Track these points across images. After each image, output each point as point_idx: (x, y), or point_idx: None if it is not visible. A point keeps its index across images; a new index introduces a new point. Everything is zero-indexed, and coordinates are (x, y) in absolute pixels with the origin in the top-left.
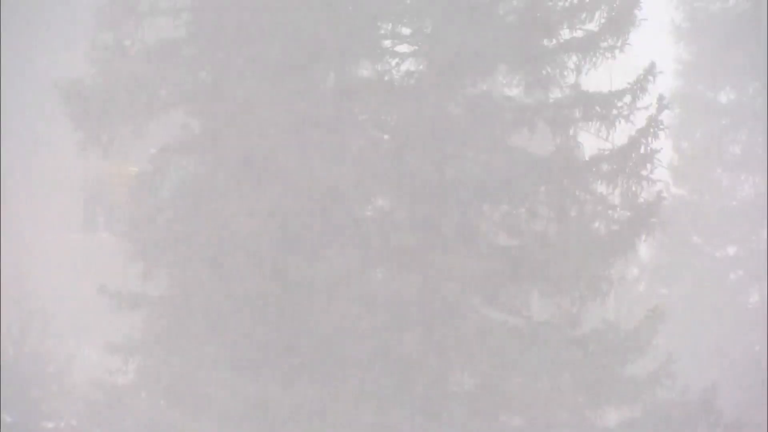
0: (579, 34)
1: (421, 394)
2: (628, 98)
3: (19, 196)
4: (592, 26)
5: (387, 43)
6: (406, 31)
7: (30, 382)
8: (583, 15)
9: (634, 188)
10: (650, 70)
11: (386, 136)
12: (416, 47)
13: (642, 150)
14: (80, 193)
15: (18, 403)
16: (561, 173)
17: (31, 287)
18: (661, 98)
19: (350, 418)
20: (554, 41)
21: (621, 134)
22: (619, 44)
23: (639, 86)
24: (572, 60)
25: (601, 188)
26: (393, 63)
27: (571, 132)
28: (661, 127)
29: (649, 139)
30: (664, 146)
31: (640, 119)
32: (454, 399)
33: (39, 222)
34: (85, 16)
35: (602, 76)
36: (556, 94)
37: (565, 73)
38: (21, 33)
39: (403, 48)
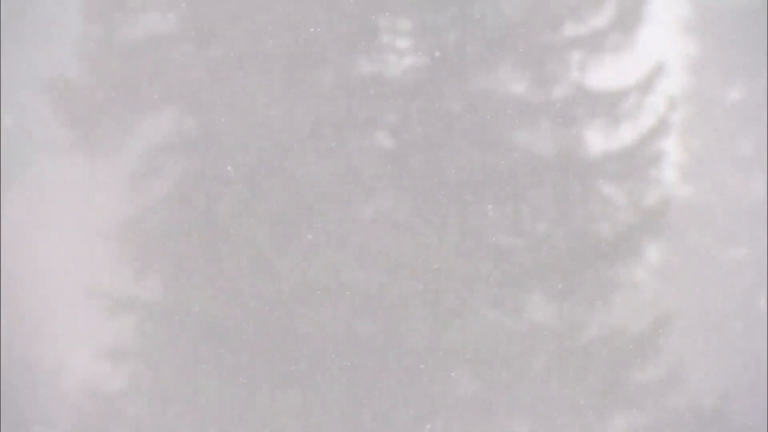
0: (584, 30)
1: (423, 398)
2: (634, 97)
3: (6, 197)
4: (598, 22)
5: (386, 38)
6: (406, 25)
7: (20, 388)
8: (589, 11)
9: (640, 189)
10: (658, 71)
11: (386, 134)
12: (417, 42)
13: (649, 151)
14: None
15: (7, 410)
16: (565, 173)
17: (21, 291)
18: (671, 99)
19: (349, 422)
20: (558, 37)
21: (628, 132)
22: (626, 42)
23: (646, 85)
24: (577, 57)
25: (606, 188)
26: (393, 59)
27: (576, 131)
28: (670, 128)
29: (657, 140)
30: (672, 144)
31: (648, 118)
32: (457, 403)
33: (29, 224)
34: (73, 10)
35: (609, 73)
36: (560, 91)
37: (570, 70)
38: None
39: (403, 43)
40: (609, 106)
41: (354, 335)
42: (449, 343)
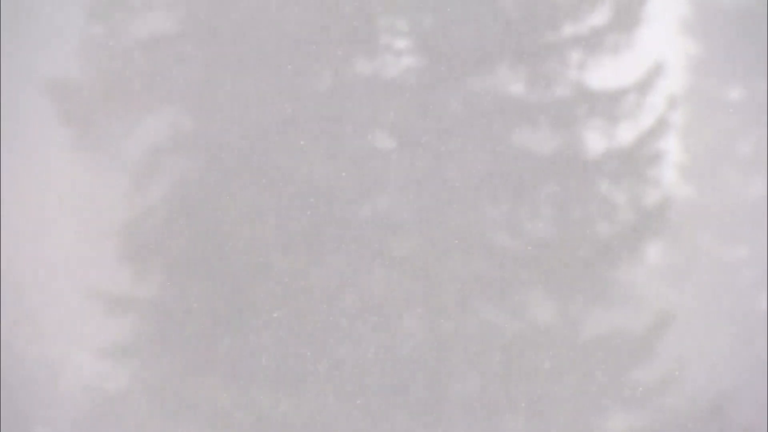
0: (584, 29)
1: (422, 399)
2: (634, 97)
3: (6, 197)
4: (598, 21)
5: (385, 38)
6: (404, 25)
7: (19, 388)
8: (588, 10)
9: (639, 189)
10: (658, 71)
11: (385, 134)
12: (415, 42)
13: (649, 150)
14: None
15: (7, 410)
16: (565, 173)
17: (21, 291)
18: (670, 98)
19: (348, 423)
20: (558, 37)
21: (628, 132)
22: (625, 41)
23: (646, 85)
24: (576, 56)
25: (606, 188)
26: (391, 59)
27: (575, 130)
28: (669, 127)
29: (657, 139)
30: (672, 144)
31: (648, 117)
32: (456, 404)
33: (29, 224)
34: (74, 10)
35: (608, 72)
36: (559, 91)
37: (569, 69)
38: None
39: (401, 43)
40: (608, 105)
41: (354, 335)
42: (449, 343)
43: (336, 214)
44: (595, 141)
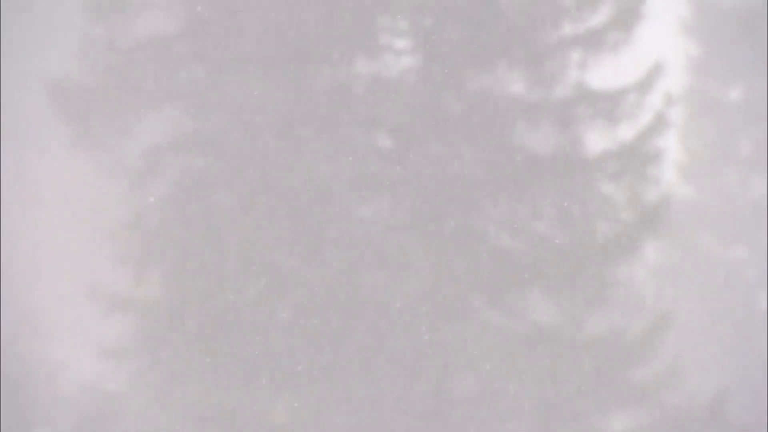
0: (583, 29)
1: (421, 399)
2: (633, 96)
3: (6, 197)
4: (597, 20)
5: (385, 38)
6: (404, 25)
7: (19, 388)
8: (587, 9)
9: (639, 188)
10: (657, 70)
11: (385, 134)
12: (415, 42)
13: (648, 149)
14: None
15: (7, 410)
16: (564, 172)
17: (21, 291)
18: (668, 96)
19: (348, 423)
20: (557, 36)
21: (628, 131)
22: (625, 41)
23: (646, 84)
24: (576, 56)
25: (606, 188)
26: (391, 59)
27: (575, 130)
28: (668, 125)
29: (656, 137)
30: (672, 144)
31: (647, 117)
32: (455, 404)
33: (29, 224)
34: (73, 10)
35: (608, 72)
36: (559, 90)
37: (569, 69)
38: (17, 29)
39: (401, 43)
40: (608, 105)
41: (354, 335)
42: (449, 343)
43: (336, 214)
44: (595, 141)
